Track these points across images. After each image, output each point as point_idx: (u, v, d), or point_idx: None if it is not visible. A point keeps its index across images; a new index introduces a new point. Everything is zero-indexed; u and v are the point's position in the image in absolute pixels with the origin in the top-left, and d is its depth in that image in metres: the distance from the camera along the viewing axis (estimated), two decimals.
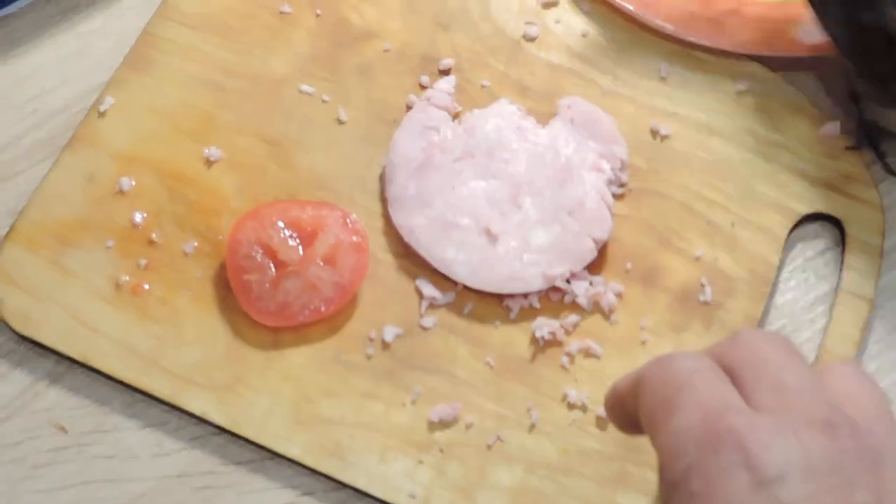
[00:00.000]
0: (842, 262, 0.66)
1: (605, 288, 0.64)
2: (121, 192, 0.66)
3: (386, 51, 0.70)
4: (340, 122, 0.68)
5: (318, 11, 0.71)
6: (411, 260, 0.65)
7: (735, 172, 0.68)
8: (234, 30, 0.70)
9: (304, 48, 0.70)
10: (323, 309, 0.62)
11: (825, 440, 0.40)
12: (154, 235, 0.65)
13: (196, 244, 0.64)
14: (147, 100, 0.68)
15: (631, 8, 0.71)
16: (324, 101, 0.69)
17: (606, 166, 0.66)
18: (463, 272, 0.63)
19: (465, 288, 0.64)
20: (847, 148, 0.68)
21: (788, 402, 0.42)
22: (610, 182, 0.66)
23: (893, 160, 0.69)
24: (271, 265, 0.62)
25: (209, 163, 0.67)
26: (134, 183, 0.66)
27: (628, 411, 0.47)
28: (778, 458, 0.40)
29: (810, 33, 0.69)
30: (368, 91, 0.69)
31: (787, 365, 0.44)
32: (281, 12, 0.71)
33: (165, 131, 0.67)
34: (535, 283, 0.63)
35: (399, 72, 0.70)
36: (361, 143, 0.68)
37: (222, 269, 0.64)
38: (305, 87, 0.69)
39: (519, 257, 0.63)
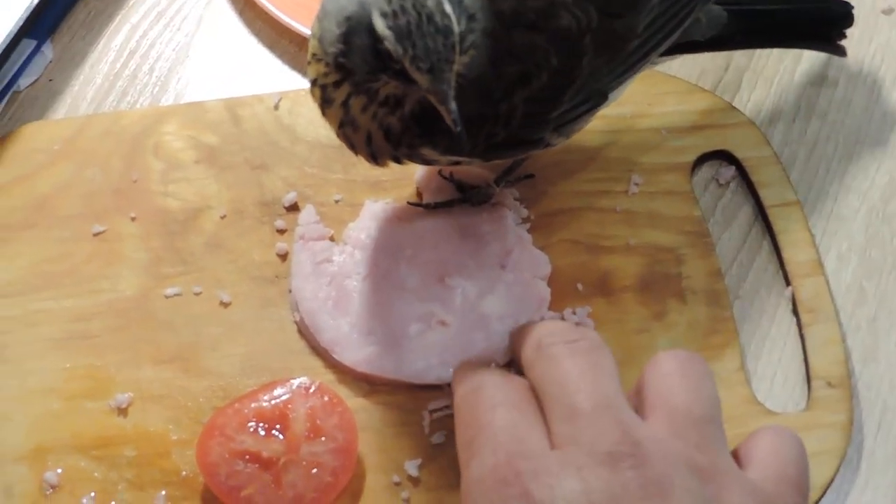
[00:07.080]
0: (750, 184, 0.66)
1: (574, 315, 0.61)
2: (53, 487, 0.57)
3: (223, 217, 0.65)
4: (224, 304, 0.62)
5: (133, 215, 0.65)
6: (385, 390, 0.60)
7: (609, 157, 0.67)
8: (57, 274, 0.63)
9: (141, 255, 0.64)
10: (335, 480, 0.56)
11: (607, 473, 0.41)
12: None
13: (164, 493, 0.57)
14: (15, 386, 0.60)
15: None
16: (196, 294, 0.63)
17: (506, 211, 0.63)
18: (443, 373, 0.59)
19: (449, 384, 0.59)
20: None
21: (579, 430, 0.43)
22: (517, 221, 0.64)
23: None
24: (262, 469, 0.56)
25: (122, 411, 0.59)
26: (60, 471, 0.57)
27: None
28: (559, 499, 0.41)
29: None
30: (232, 262, 0.64)
31: (583, 386, 0.45)
32: (95, 234, 0.64)
33: (57, 405, 0.59)
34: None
35: (248, 229, 0.65)
36: (257, 312, 0.62)
37: (207, 501, 0.56)
38: (170, 291, 0.63)
39: (484, 332, 0.60)
